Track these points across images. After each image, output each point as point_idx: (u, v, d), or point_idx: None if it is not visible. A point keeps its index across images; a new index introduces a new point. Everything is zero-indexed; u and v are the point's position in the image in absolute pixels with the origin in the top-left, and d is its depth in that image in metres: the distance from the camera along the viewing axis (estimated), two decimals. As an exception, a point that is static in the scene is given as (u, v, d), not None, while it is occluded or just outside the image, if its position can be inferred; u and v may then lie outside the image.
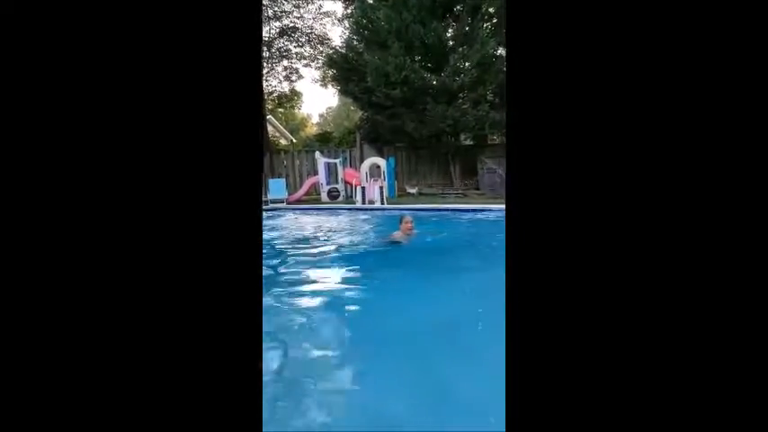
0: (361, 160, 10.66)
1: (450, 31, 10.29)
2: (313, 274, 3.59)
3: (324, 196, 10.06)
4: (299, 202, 9.84)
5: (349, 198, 10.15)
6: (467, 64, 9.67)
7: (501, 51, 10.58)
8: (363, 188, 9.07)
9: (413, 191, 10.98)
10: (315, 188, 10.58)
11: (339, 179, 10.38)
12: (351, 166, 11.31)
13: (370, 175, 9.49)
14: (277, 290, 2.83)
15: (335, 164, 10.47)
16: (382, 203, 8.74)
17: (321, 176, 10.20)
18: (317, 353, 1.95)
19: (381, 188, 8.92)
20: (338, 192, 10.20)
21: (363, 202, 8.90)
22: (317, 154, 10.60)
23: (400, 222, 4.42)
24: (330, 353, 1.96)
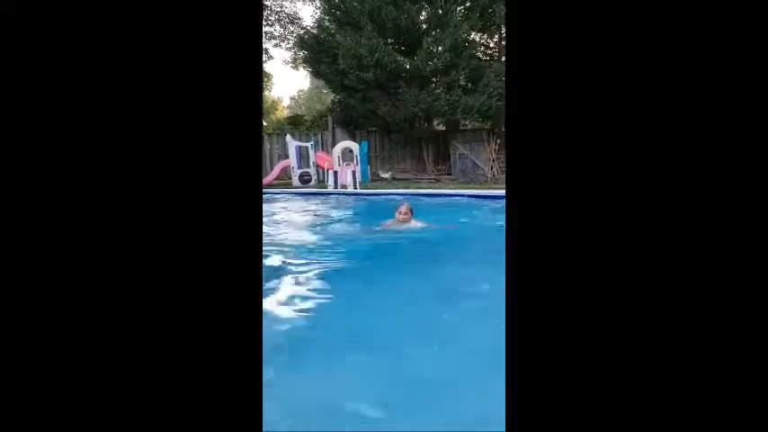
0: (334, 144, 10.51)
1: (423, 13, 10.18)
2: (294, 264, 3.18)
3: (295, 180, 9.89)
4: (269, 186, 9.62)
5: (321, 182, 10.02)
6: (440, 48, 9.61)
7: (474, 36, 10.60)
8: (336, 172, 8.96)
9: (386, 176, 10.94)
10: (286, 172, 10.38)
11: (311, 163, 10.21)
12: (323, 149, 11.14)
13: (343, 159, 9.38)
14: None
15: (307, 147, 10.28)
16: (355, 188, 8.68)
17: (292, 160, 10.00)
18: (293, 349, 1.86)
19: (354, 173, 8.85)
20: (310, 176, 10.04)
21: (336, 187, 8.81)
22: (288, 137, 10.37)
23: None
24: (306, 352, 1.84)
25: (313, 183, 9.99)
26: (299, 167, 10.03)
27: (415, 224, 3.96)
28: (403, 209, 3.91)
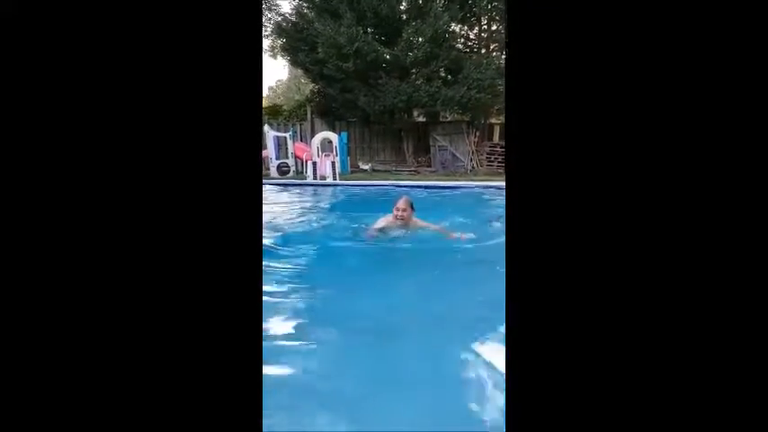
0: (313, 134, 10.37)
1: (403, 3, 10.10)
2: (278, 266, 2.69)
3: (273, 171, 9.72)
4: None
5: (299, 173, 9.89)
6: (420, 39, 9.56)
7: (454, 27, 10.58)
8: (315, 163, 8.85)
9: (366, 167, 10.88)
10: (263, 163, 10.19)
11: (289, 154, 10.06)
12: (301, 140, 10.98)
13: (322, 149, 9.27)
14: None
15: (285, 138, 10.11)
16: (334, 179, 8.60)
17: (270, 151, 9.82)
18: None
19: (333, 163, 8.76)
20: (288, 167, 9.89)
21: (315, 178, 8.70)
22: (266, 127, 10.16)
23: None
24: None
25: (291, 174, 9.84)
26: (278, 158, 9.86)
27: (417, 223, 3.23)
28: (401, 204, 3.10)
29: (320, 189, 7.66)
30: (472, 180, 8.38)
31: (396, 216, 3.11)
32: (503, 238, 0.76)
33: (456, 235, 3.20)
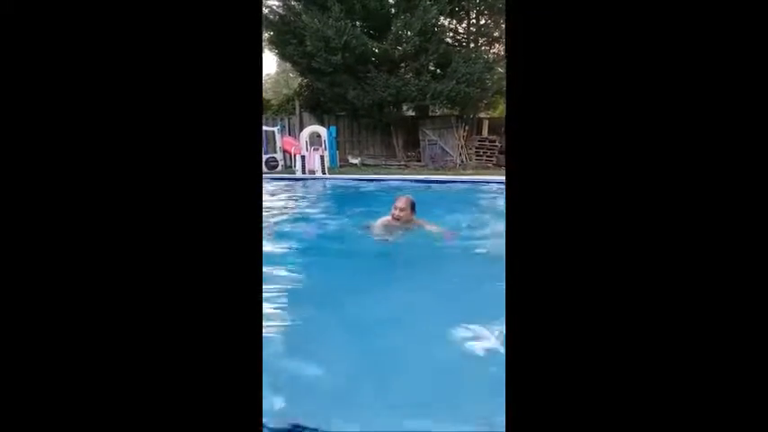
0: (301, 129, 10.28)
1: (392, -4, 10.03)
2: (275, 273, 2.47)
3: (262, 166, 9.63)
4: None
5: (288, 168, 9.81)
6: (409, 32, 9.52)
7: (443, 20, 10.56)
8: (303, 157, 8.79)
9: (355, 161, 10.84)
10: (252, 157, 10.06)
11: (277, 148, 9.96)
12: (290, 134, 10.87)
13: (311, 143, 9.20)
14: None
15: (273, 132, 10.01)
16: (323, 173, 8.55)
17: (258, 145, 9.72)
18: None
19: (322, 157, 8.70)
20: (277, 161, 9.80)
21: (304, 172, 8.64)
22: (254, 121, 10.03)
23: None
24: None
25: (280, 168, 9.76)
26: (266, 152, 9.76)
27: (419, 223, 3.05)
28: (400, 203, 2.91)
29: (309, 183, 7.61)
30: (461, 174, 8.42)
31: (393, 215, 2.94)
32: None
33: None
